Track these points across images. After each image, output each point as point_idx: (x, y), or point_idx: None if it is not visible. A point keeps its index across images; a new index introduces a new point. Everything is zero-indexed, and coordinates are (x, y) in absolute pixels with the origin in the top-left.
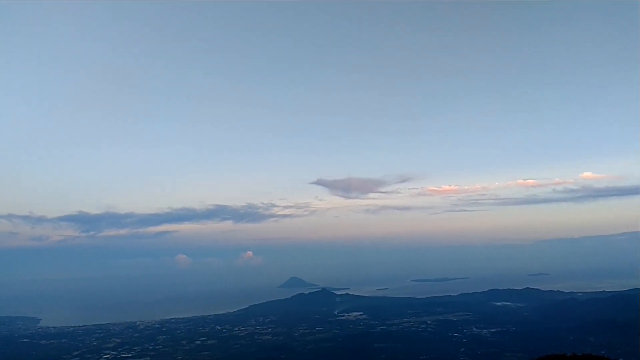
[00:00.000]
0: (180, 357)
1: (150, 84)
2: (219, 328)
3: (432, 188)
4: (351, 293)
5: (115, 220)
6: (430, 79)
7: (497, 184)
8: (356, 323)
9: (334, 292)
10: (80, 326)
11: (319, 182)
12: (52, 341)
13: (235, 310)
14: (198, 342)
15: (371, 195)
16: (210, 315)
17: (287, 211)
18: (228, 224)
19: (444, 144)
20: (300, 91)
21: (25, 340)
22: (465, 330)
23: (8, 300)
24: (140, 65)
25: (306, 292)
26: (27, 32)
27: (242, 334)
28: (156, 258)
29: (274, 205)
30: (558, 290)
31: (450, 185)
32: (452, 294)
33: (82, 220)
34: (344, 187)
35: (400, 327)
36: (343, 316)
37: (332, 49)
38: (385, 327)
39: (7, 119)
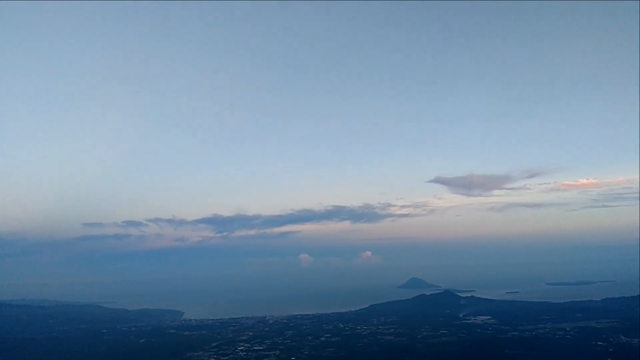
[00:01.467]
0: (306, 352)
1: (273, 97)
2: (342, 326)
3: (567, 182)
4: (477, 296)
5: (245, 222)
6: (559, 62)
7: None
8: (484, 327)
9: (458, 294)
10: (217, 319)
11: (438, 180)
12: (194, 332)
13: (357, 309)
14: (323, 339)
15: (496, 192)
16: (333, 313)
17: (404, 210)
18: (346, 224)
19: (578, 133)
20: (416, 88)
21: (172, 330)
22: (611, 339)
23: (158, 295)
24: (252, 80)
25: (428, 294)
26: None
27: (365, 332)
28: (281, 257)
29: (390, 205)
30: None
31: (588, 179)
32: (594, 299)
33: (216, 222)
34: (465, 185)
35: (534, 333)
36: (469, 319)
37: (447, 47)
38: (517, 332)
39: (154, 139)
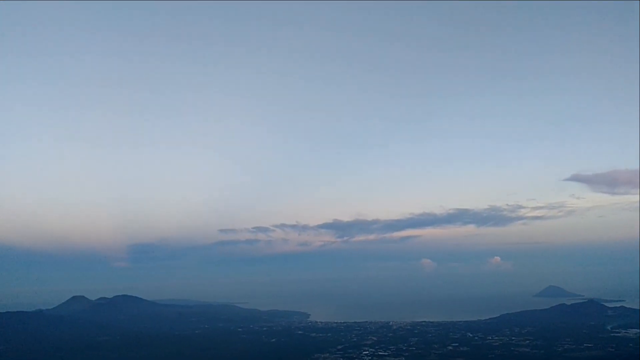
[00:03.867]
0: None
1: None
2: (471, 335)
3: None
4: (628, 306)
5: (364, 227)
6: None
7: None
8: (637, 342)
9: (604, 304)
10: (341, 322)
11: (575, 178)
12: (320, 334)
13: (487, 318)
14: (450, 348)
15: None
16: (460, 321)
17: (537, 212)
18: (470, 228)
19: None
20: (547, 79)
21: (300, 332)
22: None
23: (285, 297)
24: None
25: (568, 303)
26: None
27: (496, 343)
28: (402, 261)
29: (520, 207)
30: None
31: None
32: None
33: (336, 227)
34: (608, 182)
35: None
36: (618, 332)
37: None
38: None
39: (278, 148)
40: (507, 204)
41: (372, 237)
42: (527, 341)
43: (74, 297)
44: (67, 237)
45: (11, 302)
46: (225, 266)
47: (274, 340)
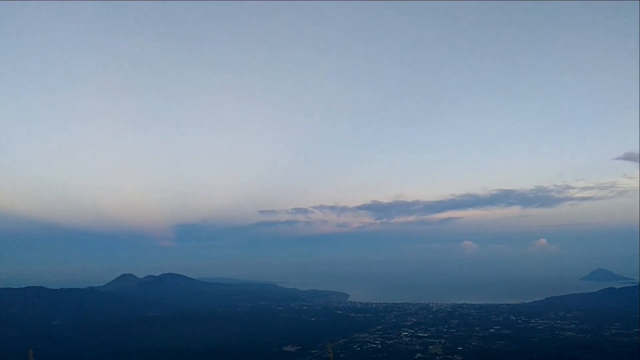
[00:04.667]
0: (474, 343)
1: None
2: (514, 318)
3: None
4: None
5: (404, 208)
6: None
7: None
8: None
9: None
10: (381, 303)
11: (627, 157)
12: (359, 315)
13: (531, 301)
14: (492, 330)
15: None
16: (502, 304)
17: (586, 193)
18: (515, 210)
19: None
20: (596, 58)
21: (339, 312)
22: None
23: (324, 277)
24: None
25: (617, 287)
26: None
27: (540, 327)
28: (443, 243)
29: (569, 187)
30: None
31: None
32: None
33: (375, 208)
34: None
35: None
36: None
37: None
38: None
39: (317, 130)
40: (555, 185)
41: (411, 218)
42: (573, 325)
43: (123, 275)
44: (116, 218)
45: (65, 280)
46: (266, 246)
47: (313, 319)
